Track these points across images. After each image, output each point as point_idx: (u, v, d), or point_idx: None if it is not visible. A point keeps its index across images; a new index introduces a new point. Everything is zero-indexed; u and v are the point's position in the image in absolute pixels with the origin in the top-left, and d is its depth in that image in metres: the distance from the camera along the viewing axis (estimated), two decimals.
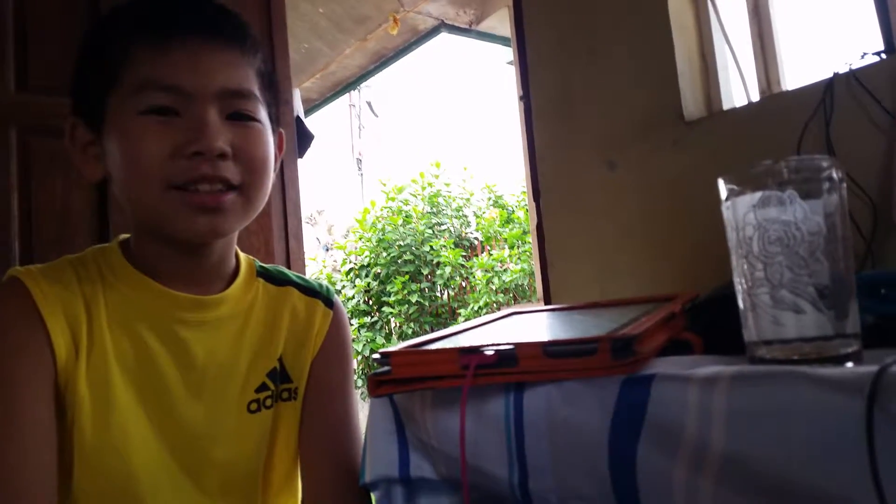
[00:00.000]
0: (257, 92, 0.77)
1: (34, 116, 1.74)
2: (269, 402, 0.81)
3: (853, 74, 0.94)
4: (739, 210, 0.54)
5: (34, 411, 0.68)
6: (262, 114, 0.77)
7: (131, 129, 0.70)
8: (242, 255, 0.86)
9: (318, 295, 0.87)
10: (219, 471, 0.78)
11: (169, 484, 0.75)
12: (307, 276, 0.91)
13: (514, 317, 0.88)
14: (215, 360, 0.78)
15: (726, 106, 1.19)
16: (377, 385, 0.66)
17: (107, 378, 0.73)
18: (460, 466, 0.62)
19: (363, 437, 0.74)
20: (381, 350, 0.65)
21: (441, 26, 4.36)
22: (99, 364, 0.73)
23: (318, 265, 7.87)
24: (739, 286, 0.55)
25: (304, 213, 2.28)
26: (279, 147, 0.82)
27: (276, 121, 0.81)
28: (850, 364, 0.49)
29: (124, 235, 0.81)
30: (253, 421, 0.80)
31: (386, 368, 0.65)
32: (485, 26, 4.38)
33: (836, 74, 0.95)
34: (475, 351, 0.60)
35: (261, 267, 0.87)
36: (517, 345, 0.59)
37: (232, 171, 0.72)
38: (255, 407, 0.80)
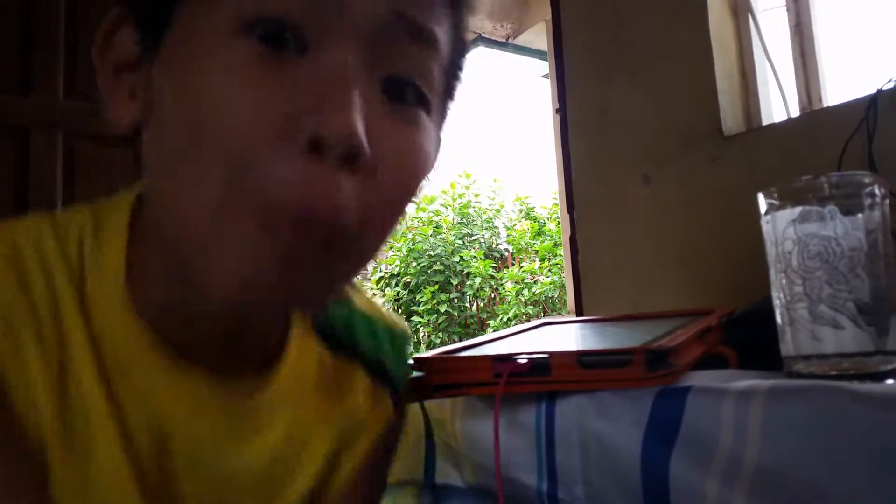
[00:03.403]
0: (444, 60, 0.43)
1: (80, 122, 1.79)
2: None
3: None
4: (779, 225, 0.54)
5: None
6: (435, 103, 0.43)
7: (210, 62, 0.37)
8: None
9: (387, 379, 0.59)
10: None
11: None
12: (377, 328, 0.59)
13: (547, 327, 0.88)
14: (251, 472, 0.50)
15: (766, 122, 1.18)
16: (410, 391, 0.66)
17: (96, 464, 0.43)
18: (491, 474, 0.62)
19: None
20: (414, 356, 0.66)
21: (478, 39, 4.38)
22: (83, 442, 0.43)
23: None
24: (778, 301, 0.54)
25: None
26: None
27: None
28: (890, 381, 0.49)
29: (125, 214, 0.46)
30: None
31: (420, 374, 0.65)
32: (521, 40, 4.39)
33: (879, 91, 0.94)
34: (508, 359, 0.60)
35: (321, 324, 0.56)
36: (551, 354, 0.59)
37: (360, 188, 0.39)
38: None
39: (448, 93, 0.46)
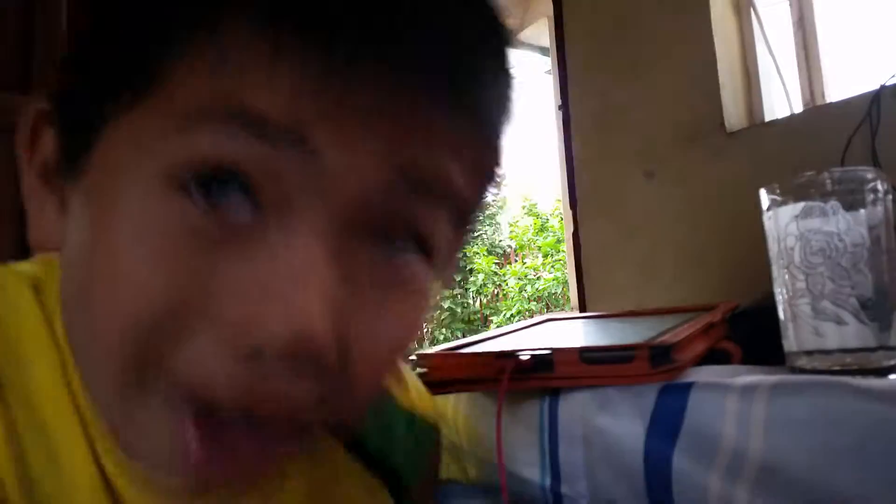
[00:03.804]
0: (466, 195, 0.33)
1: None
2: None
3: None
4: (781, 220, 0.54)
5: None
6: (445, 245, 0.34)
7: (130, 219, 0.28)
8: None
9: (393, 474, 0.47)
10: None
11: None
12: (395, 423, 0.49)
13: (550, 323, 0.88)
14: None
15: (768, 117, 1.18)
16: None
17: None
18: (495, 470, 0.62)
19: None
20: (417, 352, 0.66)
21: None
22: None
23: None
24: (780, 296, 0.55)
25: None
26: None
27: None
28: (893, 376, 0.49)
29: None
30: None
31: (422, 370, 0.65)
32: (523, 36, 4.38)
33: (883, 86, 0.94)
34: (511, 355, 0.60)
35: None
36: (554, 350, 0.59)
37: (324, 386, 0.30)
38: None
39: (467, 223, 0.35)
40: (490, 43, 0.32)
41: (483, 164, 0.33)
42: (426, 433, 0.52)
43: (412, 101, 0.28)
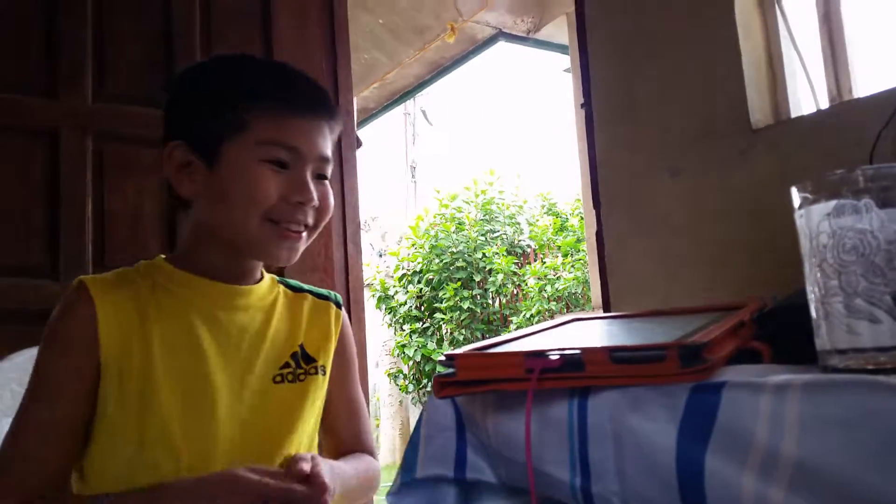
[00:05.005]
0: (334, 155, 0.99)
1: (109, 124, 1.81)
2: (290, 376, 0.99)
3: None
4: (813, 218, 0.53)
5: (69, 388, 0.87)
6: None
7: (251, 172, 0.90)
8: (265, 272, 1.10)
9: (329, 299, 1.10)
10: (243, 427, 0.93)
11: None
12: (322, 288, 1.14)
13: (576, 323, 0.88)
14: (246, 336, 0.97)
15: (794, 114, 1.17)
16: (442, 387, 0.67)
17: (151, 359, 0.90)
18: (523, 470, 0.62)
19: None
20: (446, 353, 0.66)
21: (499, 35, 4.36)
22: (148, 348, 0.90)
23: (371, 270, 7.96)
24: (812, 294, 0.54)
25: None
26: None
27: None
28: None
29: (162, 256, 1.01)
30: (278, 390, 0.97)
31: (451, 370, 0.66)
32: (542, 34, 4.37)
33: None
34: (541, 355, 0.60)
35: (281, 279, 1.09)
36: (584, 349, 0.59)
37: (311, 216, 0.94)
38: (279, 379, 0.98)
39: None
40: (332, 105, 0.99)
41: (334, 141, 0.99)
42: (337, 295, 1.11)
43: (321, 129, 0.95)
